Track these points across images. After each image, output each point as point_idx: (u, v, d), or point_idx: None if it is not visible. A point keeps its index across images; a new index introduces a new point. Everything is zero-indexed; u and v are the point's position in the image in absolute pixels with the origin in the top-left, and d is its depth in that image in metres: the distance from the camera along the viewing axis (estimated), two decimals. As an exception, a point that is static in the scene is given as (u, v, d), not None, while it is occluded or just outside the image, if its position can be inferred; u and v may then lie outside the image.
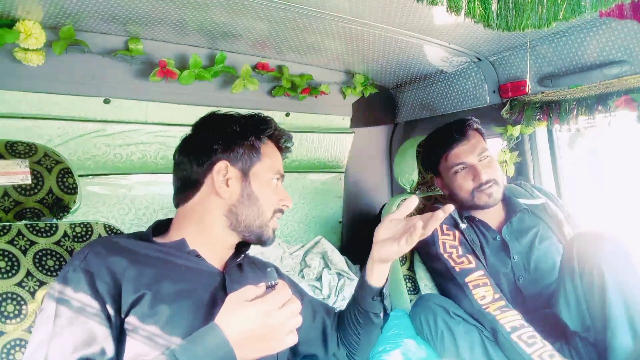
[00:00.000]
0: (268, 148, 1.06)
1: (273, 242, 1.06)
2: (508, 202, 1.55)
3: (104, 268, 0.86)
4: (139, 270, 0.88)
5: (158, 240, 1.01)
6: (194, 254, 0.98)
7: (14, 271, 0.98)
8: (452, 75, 1.95)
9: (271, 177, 1.04)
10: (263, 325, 0.77)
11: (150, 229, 1.03)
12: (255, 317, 0.76)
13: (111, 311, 0.84)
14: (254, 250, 1.15)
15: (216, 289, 0.96)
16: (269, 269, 0.82)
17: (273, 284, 0.80)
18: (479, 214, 1.53)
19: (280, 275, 1.18)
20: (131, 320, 0.84)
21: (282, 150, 1.12)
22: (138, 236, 1.01)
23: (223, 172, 0.99)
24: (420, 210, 1.71)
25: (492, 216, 1.54)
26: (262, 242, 1.04)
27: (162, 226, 1.06)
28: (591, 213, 1.59)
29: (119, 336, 0.85)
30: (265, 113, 1.09)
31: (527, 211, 1.52)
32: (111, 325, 0.83)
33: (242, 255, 1.08)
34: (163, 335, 0.84)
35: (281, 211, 1.06)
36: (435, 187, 1.80)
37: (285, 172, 1.10)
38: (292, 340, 0.81)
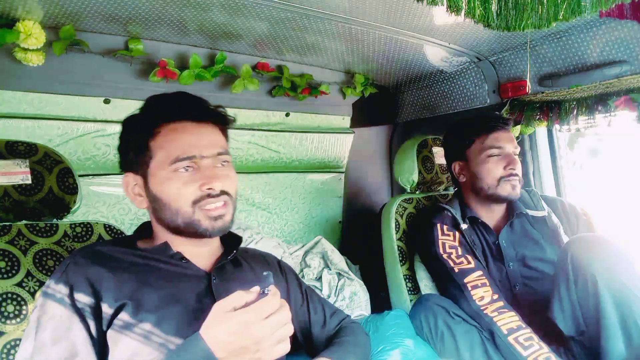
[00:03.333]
0: (166, 135, 0.91)
1: (224, 231, 0.94)
2: (509, 206, 1.54)
3: (83, 279, 0.84)
4: (120, 279, 0.86)
5: (143, 245, 0.98)
6: (179, 257, 0.94)
7: (14, 271, 0.98)
8: (452, 75, 1.95)
9: (173, 169, 0.89)
10: (245, 337, 0.72)
11: (135, 233, 1.01)
12: (236, 328, 0.72)
13: (91, 323, 0.82)
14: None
15: (202, 293, 0.92)
16: (265, 273, 0.77)
17: (266, 292, 0.76)
18: (483, 214, 1.53)
19: (282, 269, 1.14)
20: (114, 331, 0.83)
21: (205, 121, 0.95)
22: (124, 242, 0.99)
23: (131, 184, 0.95)
24: (420, 210, 1.71)
25: (495, 219, 1.53)
26: (204, 236, 0.92)
27: (147, 229, 1.02)
28: (591, 213, 1.59)
29: (103, 347, 0.83)
30: (265, 113, 1.03)
31: (525, 219, 1.51)
32: (92, 338, 0.82)
33: (234, 252, 1.01)
34: (148, 343, 0.82)
35: (210, 196, 0.90)
36: (435, 186, 1.80)
37: (285, 172, 1.04)
38: (283, 349, 0.76)
